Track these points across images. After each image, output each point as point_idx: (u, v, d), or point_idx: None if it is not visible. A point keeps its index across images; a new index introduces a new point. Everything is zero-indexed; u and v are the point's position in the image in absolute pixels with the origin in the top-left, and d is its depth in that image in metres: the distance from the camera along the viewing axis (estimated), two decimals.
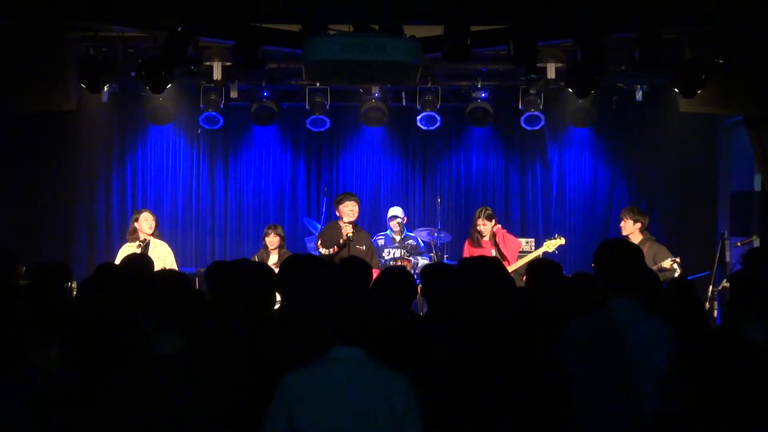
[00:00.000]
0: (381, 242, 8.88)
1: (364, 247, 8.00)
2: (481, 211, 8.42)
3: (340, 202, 8.14)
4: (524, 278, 5.18)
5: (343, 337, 3.05)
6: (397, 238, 8.82)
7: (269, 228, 8.74)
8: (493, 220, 8.31)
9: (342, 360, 3.04)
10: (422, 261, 8.77)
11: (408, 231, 9.04)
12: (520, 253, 8.60)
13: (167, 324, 3.00)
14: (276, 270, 5.53)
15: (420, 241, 9.05)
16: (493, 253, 8.10)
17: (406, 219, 8.99)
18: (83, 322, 3.22)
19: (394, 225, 8.84)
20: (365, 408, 2.97)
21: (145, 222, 8.04)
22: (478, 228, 8.31)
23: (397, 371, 3.06)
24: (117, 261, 7.94)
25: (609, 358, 3.49)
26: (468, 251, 8.33)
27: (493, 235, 8.29)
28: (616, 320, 3.53)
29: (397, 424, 2.98)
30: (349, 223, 7.98)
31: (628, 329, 3.49)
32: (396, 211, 9.00)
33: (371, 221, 10.28)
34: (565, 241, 8.58)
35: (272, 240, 8.59)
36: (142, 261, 5.38)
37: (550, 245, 8.41)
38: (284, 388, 3.02)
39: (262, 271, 4.11)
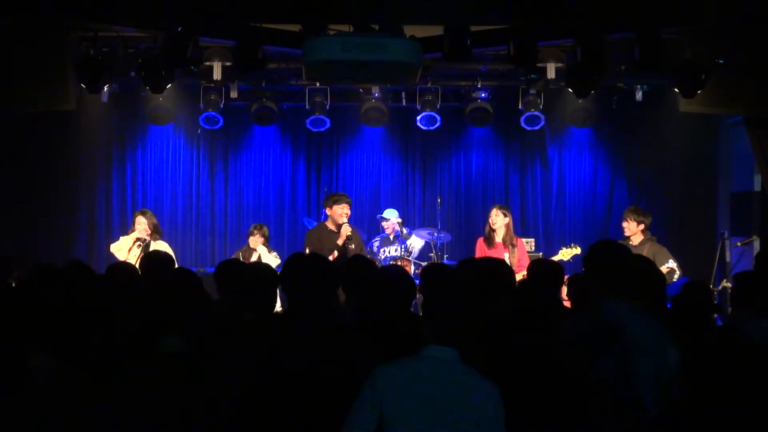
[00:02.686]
0: (376, 244, 8.88)
1: (353, 246, 7.96)
2: (495, 205, 8.34)
3: (336, 202, 7.98)
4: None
5: (439, 336, 3.09)
6: (392, 238, 8.86)
7: (255, 228, 8.69)
8: (508, 218, 8.14)
9: (436, 358, 3.08)
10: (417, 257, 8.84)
11: (406, 231, 9.05)
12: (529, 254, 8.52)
13: (169, 324, 3.00)
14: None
15: (414, 239, 9.06)
16: (506, 256, 7.99)
17: (400, 220, 8.97)
18: (87, 321, 3.22)
19: (386, 227, 8.87)
20: (454, 409, 3.01)
21: (139, 226, 8.05)
22: (490, 220, 8.17)
23: (487, 378, 3.09)
24: (112, 248, 8.03)
25: (604, 358, 3.49)
26: (480, 250, 8.24)
27: (512, 242, 8.12)
28: (609, 321, 3.53)
29: (481, 430, 3.00)
30: (342, 224, 7.94)
31: (621, 330, 3.49)
32: (387, 213, 9.02)
33: (371, 221, 10.28)
34: (581, 250, 8.22)
35: (256, 240, 8.57)
36: (161, 260, 5.36)
37: (566, 254, 8.18)
38: (376, 378, 3.06)
39: (265, 271, 4.11)
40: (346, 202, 8.02)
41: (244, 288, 3.86)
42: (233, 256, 8.36)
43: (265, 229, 8.71)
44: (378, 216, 9.13)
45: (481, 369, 3.13)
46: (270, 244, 8.77)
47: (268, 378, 3.30)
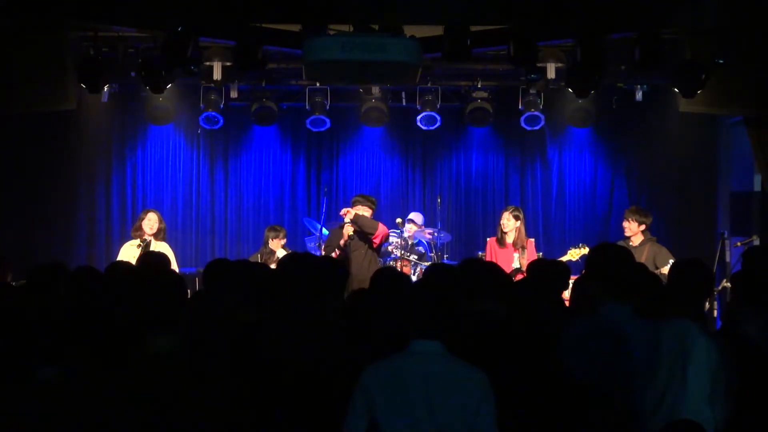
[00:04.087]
0: (390, 248, 8.86)
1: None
2: (507, 208, 8.30)
3: (353, 204, 8.17)
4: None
5: (422, 331, 3.13)
6: (410, 243, 8.89)
7: (279, 230, 8.73)
8: (519, 222, 8.06)
9: (421, 353, 3.12)
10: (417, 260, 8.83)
11: (416, 239, 9.07)
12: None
13: (162, 323, 2.99)
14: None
15: (425, 244, 9.08)
16: (516, 257, 7.98)
17: (414, 223, 9.03)
18: (82, 322, 3.21)
19: (408, 228, 8.93)
20: (441, 399, 3.05)
21: (147, 223, 8.07)
22: (501, 223, 8.13)
23: (473, 366, 3.13)
24: (119, 258, 8.01)
25: (604, 363, 3.48)
26: (490, 249, 8.22)
27: (523, 244, 8.03)
28: (609, 325, 3.52)
29: (471, 417, 3.04)
30: (351, 223, 7.94)
31: (621, 334, 3.48)
32: (413, 216, 9.10)
33: None
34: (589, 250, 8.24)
35: (281, 242, 8.61)
36: (158, 260, 5.37)
37: (574, 254, 8.12)
38: (365, 379, 3.12)
39: (261, 271, 4.12)
40: (359, 203, 8.05)
41: (240, 287, 3.86)
42: (250, 259, 8.38)
43: (285, 230, 8.76)
44: (406, 219, 9.22)
45: (474, 364, 3.14)
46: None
47: (261, 376, 3.30)
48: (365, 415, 3.09)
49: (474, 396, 3.06)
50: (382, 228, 7.96)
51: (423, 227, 9.09)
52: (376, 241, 8.03)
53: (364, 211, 8.02)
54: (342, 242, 7.89)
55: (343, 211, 7.98)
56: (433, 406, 3.04)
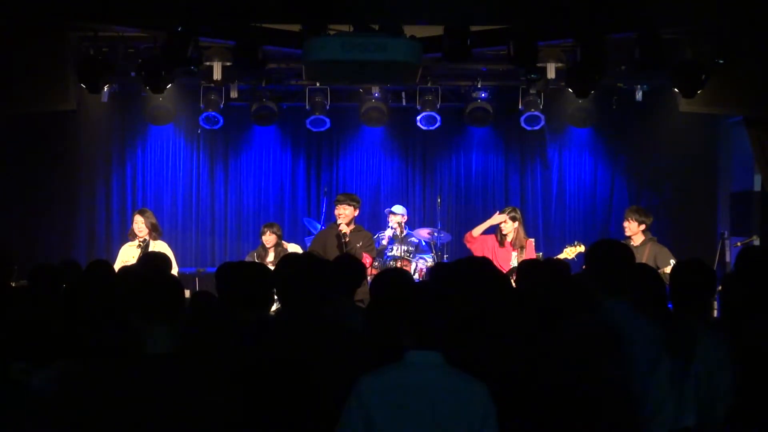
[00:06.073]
0: (384, 242, 8.83)
1: (360, 244, 7.90)
2: (505, 210, 8.27)
3: (334, 204, 8.06)
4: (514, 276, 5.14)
5: (421, 341, 3.05)
6: (399, 235, 8.82)
7: (266, 227, 8.71)
8: (517, 222, 8.06)
9: (419, 364, 3.04)
10: (422, 261, 8.78)
11: (409, 230, 9.03)
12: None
13: (159, 323, 2.99)
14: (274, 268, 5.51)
15: (422, 241, 9.05)
16: (514, 255, 8.00)
17: (405, 218, 8.98)
18: (77, 323, 3.21)
19: (392, 222, 8.84)
20: (443, 413, 2.97)
21: (136, 225, 8.06)
22: (500, 225, 8.13)
23: (474, 378, 3.06)
24: (117, 261, 8.01)
25: (604, 360, 3.48)
26: (490, 249, 8.19)
27: (521, 244, 8.03)
28: (609, 322, 3.51)
29: (473, 430, 2.98)
30: (344, 224, 7.89)
31: (621, 331, 3.48)
32: (396, 208, 9.00)
33: (371, 221, 10.28)
34: (585, 248, 8.14)
35: (268, 239, 8.58)
36: (159, 260, 5.37)
37: (570, 252, 8.11)
38: (361, 390, 3.02)
39: (263, 270, 4.11)
40: (340, 203, 7.94)
41: (240, 288, 3.86)
42: (247, 257, 8.37)
43: (276, 227, 8.70)
44: (386, 210, 9.16)
45: (473, 371, 3.10)
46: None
47: (259, 377, 3.30)
48: (361, 426, 3.00)
49: (478, 410, 3.00)
50: (365, 261, 7.83)
51: (405, 217, 9.01)
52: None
53: (350, 211, 7.92)
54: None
55: (344, 229, 7.81)
56: (435, 420, 2.97)
